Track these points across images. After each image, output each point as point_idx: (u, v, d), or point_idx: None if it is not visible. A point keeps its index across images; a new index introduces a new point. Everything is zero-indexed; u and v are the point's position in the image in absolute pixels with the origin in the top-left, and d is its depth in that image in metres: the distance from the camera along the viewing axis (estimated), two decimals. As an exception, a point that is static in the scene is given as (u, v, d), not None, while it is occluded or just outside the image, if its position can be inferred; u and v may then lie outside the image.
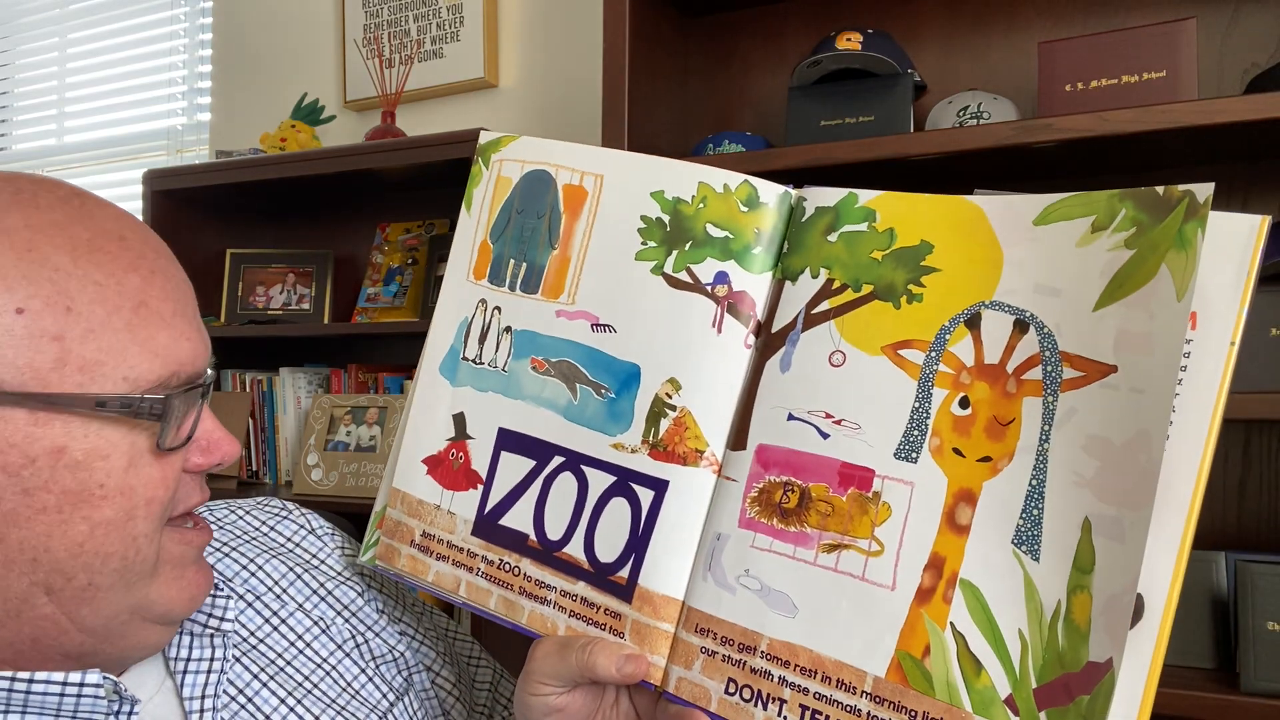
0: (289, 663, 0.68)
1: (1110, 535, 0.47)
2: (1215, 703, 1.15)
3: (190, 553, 0.60)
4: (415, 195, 2.24)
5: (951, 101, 1.51)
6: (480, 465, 0.67)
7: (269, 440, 2.21)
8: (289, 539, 0.75)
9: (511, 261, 0.68)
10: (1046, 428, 0.50)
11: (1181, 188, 0.48)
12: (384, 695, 0.71)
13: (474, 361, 0.69)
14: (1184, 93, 1.26)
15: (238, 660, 0.66)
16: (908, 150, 1.36)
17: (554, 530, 0.64)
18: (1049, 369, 0.51)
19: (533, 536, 0.65)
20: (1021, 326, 0.52)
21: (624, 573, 0.61)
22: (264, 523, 0.76)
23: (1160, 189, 0.49)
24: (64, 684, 0.54)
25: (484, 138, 0.70)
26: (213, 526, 0.74)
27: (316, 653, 0.69)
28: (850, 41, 1.51)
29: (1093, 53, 1.31)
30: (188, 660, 0.62)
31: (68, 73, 2.90)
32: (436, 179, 2.05)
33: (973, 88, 1.57)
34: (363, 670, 0.71)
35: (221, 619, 0.63)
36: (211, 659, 0.63)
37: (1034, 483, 0.50)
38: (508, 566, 0.65)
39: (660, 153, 1.64)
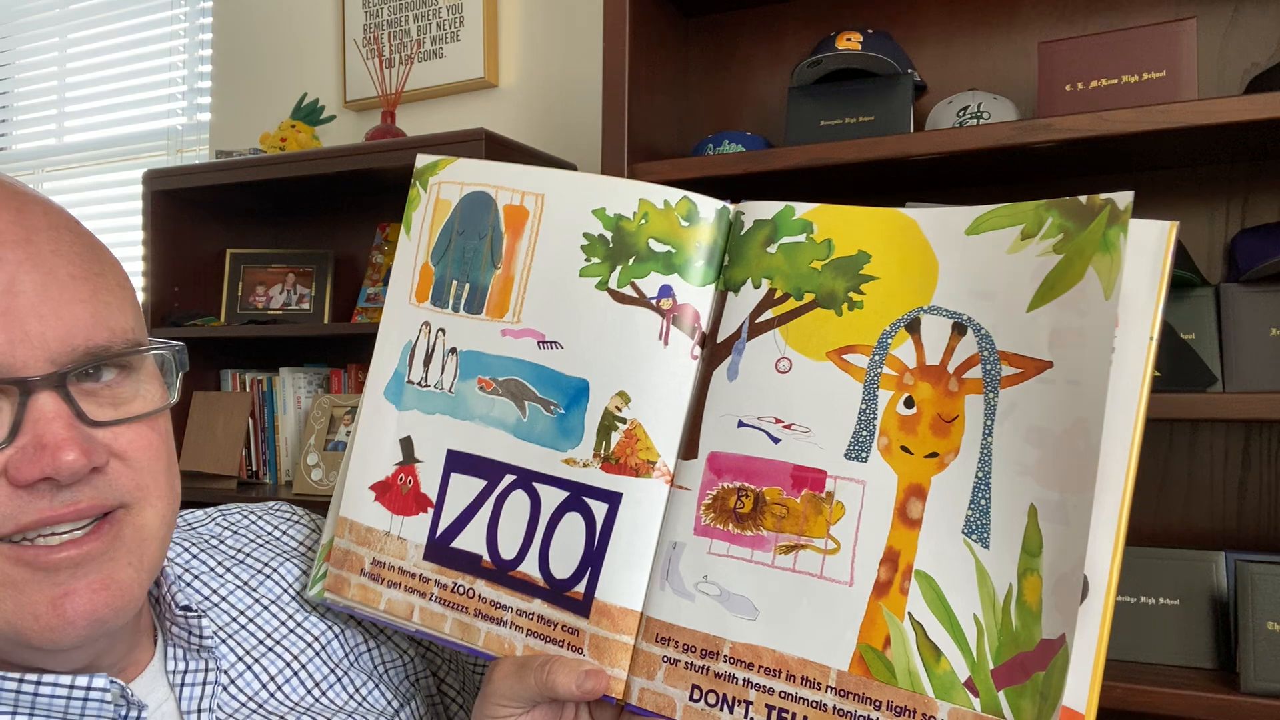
0: (304, 666, 0.68)
1: (1055, 519, 0.50)
2: (1215, 703, 1.15)
3: (32, 576, 0.52)
4: (415, 195, 2.24)
5: (951, 101, 1.51)
6: (430, 488, 0.67)
7: (269, 440, 2.21)
8: (301, 542, 0.76)
9: (454, 283, 0.68)
10: (989, 422, 0.53)
11: (1103, 196, 0.51)
12: (389, 702, 0.71)
13: (419, 384, 0.68)
14: (1184, 93, 1.26)
15: (248, 669, 0.66)
16: (908, 150, 1.36)
17: (508, 549, 0.64)
18: (988, 367, 0.54)
19: (486, 557, 0.64)
20: (960, 329, 0.55)
21: (580, 588, 0.61)
22: (276, 527, 0.77)
23: (1084, 198, 0.52)
24: (71, 687, 0.55)
25: (420, 161, 0.71)
26: (228, 531, 0.74)
27: (330, 657, 0.70)
28: (850, 41, 1.51)
29: (1093, 53, 1.31)
30: (184, 673, 0.62)
31: (68, 73, 2.90)
32: (436, 179, 2.05)
33: (973, 88, 1.57)
34: (369, 677, 0.71)
35: (202, 636, 0.62)
36: (205, 670, 0.62)
37: (980, 475, 0.53)
38: (462, 589, 0.65)
39: (660, 153, 1.65)
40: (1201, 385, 1.28)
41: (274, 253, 2.31)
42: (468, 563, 0.65)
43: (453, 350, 0.68)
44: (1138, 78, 1.28)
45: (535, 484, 0.64)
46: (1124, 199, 0.51)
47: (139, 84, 2.76)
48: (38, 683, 0.54)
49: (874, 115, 1.48)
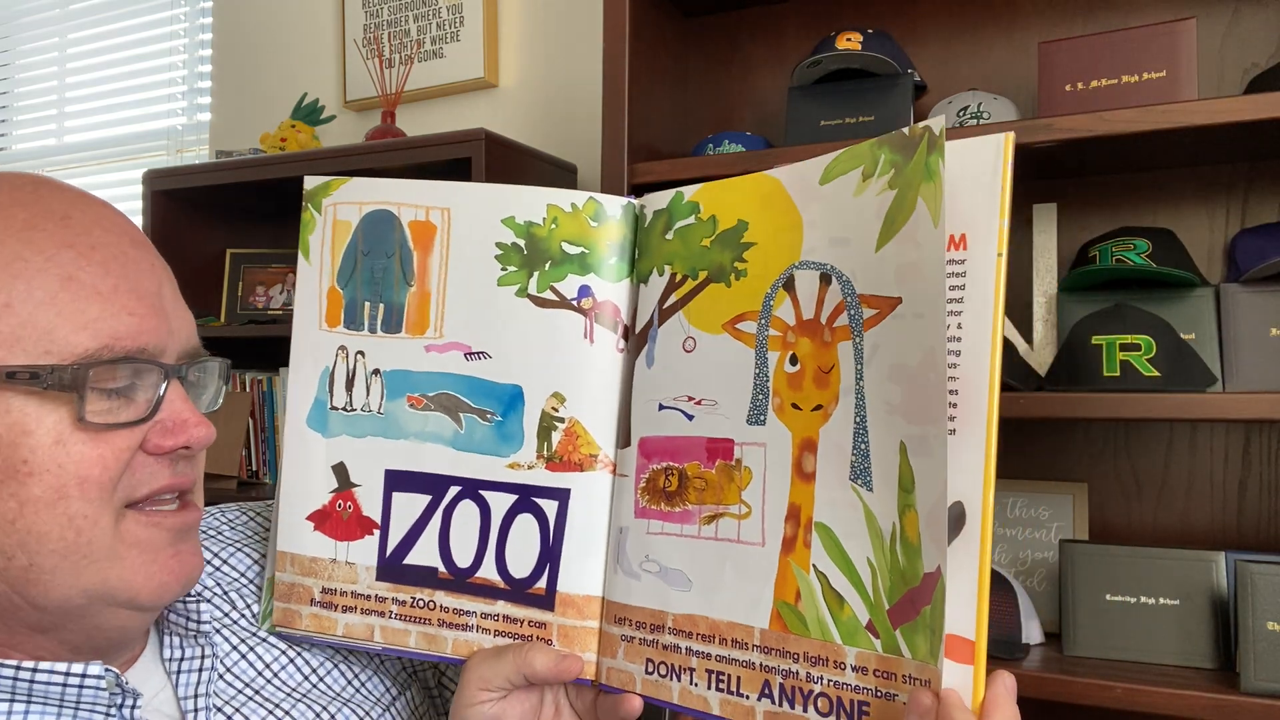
0: (300, 653, 0.70)
1: (920, 453, 0.51)
2: (1215, 703, 1.15)
3: (161, 536, 0.58)
4: (415, 195, 2.24)
5: (951, 101, 1.51)
6: (372, 511, 0.68)
7: (269, 440, 2.21)
8: None
9: (367, 304, 0.69)
10: (859, 366, 0.55)
11: (921, 125, 0.52)
12: (387, 689, 0.73)
13: (344, 409, 0.69)
14: (1184, 93, 1.26)
15: (243, 657, 0.67)
16: (908, 150, 1.36)
17: (463, 558, 0.66)
18: (852, 312, 0.55)
19: (442, 569, 0.66)
20: (826, 279, 0.57)
21: (541, 584, 0.63)
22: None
23: (906, 130, 0.53)
24: (66, 674, 0.55)
25: (309, 183, 0.71)
26: (226, 525, 0.76)
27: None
28: (850, 41, 1.51)
29: (1093, 53, 1.31)
30: (180, 660, 0.63)
31: (68, 73, 2.90)
32: (436, 179, 2.05)
33: (973, 88, 1.57)
34: (366, 665, 0.73)
35: (200, 621, 0.64)
36: (202, 657, 0.63)
37: (858, 419, 0.54)
38: (421, 602, 0.66)
39: (660, 153, 1.65)
40: (1201, 385, 1.28)
41: (274, 253, 2.30)
42: (423, 576, 0.66)
43: (376, 371, 0.68)
44: (1138, 78, 1.28)
45: (482, 491, 0.65)
46: (938, 124, 0.52)
47: (139, 84, 2.76)
48: (34, 669, 0.55)
49: (874, 115, 1.48)
